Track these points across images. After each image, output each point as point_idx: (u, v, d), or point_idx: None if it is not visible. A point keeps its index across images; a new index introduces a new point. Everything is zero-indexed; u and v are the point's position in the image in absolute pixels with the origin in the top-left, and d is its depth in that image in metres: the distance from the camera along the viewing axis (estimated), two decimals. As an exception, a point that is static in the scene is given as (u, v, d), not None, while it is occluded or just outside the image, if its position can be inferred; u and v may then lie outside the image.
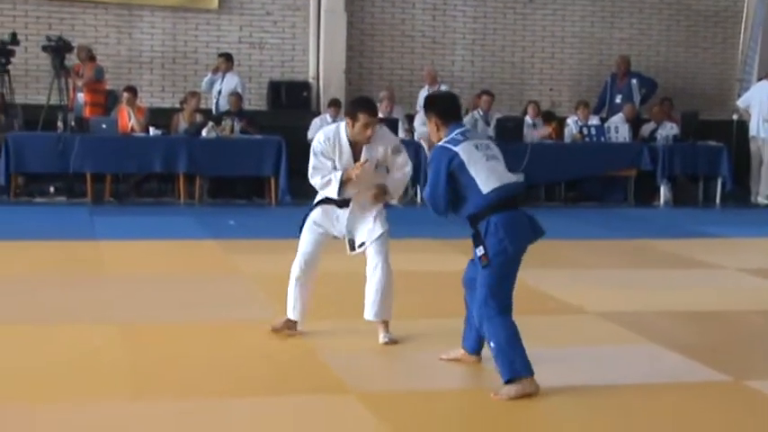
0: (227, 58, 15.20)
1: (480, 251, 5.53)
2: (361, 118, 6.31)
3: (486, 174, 5.53)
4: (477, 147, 5.61)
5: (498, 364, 5.48)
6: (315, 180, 6.52)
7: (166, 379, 5.72)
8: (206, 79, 15.18)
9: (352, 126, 6.35)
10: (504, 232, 5.47)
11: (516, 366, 5.43)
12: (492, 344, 5.50)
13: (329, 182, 6.43)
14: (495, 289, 5.52)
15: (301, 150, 14.05)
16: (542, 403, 5.42)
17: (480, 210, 5.51)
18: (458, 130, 5.67)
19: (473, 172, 5.51)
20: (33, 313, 7.16)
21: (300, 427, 5.01)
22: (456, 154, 5.53)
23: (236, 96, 14.63)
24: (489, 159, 5.59)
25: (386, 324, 6.55)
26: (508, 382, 5.43)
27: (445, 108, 5.83)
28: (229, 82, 14.99)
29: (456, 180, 5.54)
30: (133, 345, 6.39)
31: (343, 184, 6.39)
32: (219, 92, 14.98)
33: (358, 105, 6.45)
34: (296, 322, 6.67)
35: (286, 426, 5.02)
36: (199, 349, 6.32)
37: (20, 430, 4.84)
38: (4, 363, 5.90)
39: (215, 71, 15.13)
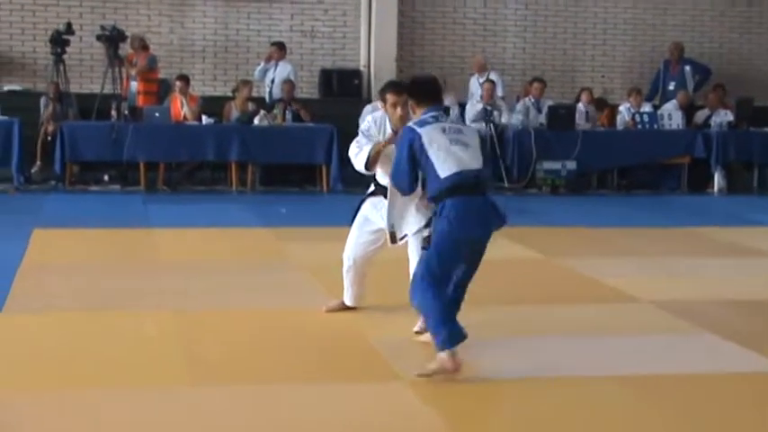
0: (280, 46, 15.24)
1: (426, 232, 5.70)
2: (388, 98, 6.34)
3: (444, 158, 5.58)
4: (444, 130, 5.66)
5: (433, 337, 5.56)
6: (351, 152, 6.58)
7: (220, 365, 5.76)
8: (259, 68, 15.24)
9: (385, 109, 6.42)
10: (455, 217, 5.54)
11: (444, 338, 5.48)
12: (429, 318, 5.58)
13: (360, 151, 6.50)
14: (433, 266, 5.58)
15: (353, 138, 14.16)
16: (594, 394, 5.41)
17: (437, 193, 5.61)
18: (431, 113, 5.74)
19: (432, 155, 5.59)
20: (89, 300, 7.24)
21: (351, 414, 5.03)
22: (419, 136, 5.63)
23: (290, 83, 14.67)
24: (453, 144, 5.62)
25: None
26: (441, 351, 5.50)
27: (419, 90, 5.92)
28: (282, 70, 15.04)
29: (418, 161, 5.64)
30: (187, 331, 6.44)
31: (373, 159, 6.40)
32: (272, 80, 15.03)
33: (385, 87, 6.56)
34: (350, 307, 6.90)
35: (337, 412, 5.04)
36: (251, 336, 6.37)
37: (77, 415, 4.90)
38: (61, 349, 5.98)
39: (268, 60, 15.18)
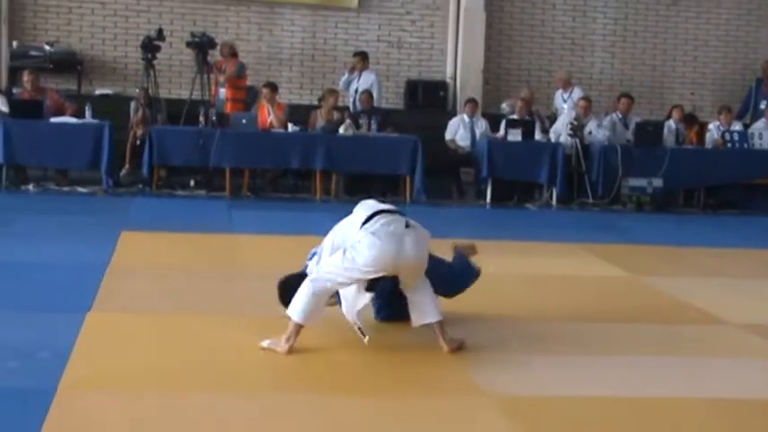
0: (363, 56, 15.30)
1: None
2: None
3: None
4: None
5: None
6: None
7: (302, 373, 5.78)
8: (343, 78, 15.32)
9: None
10: None
11: None
12: None
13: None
14: None
15: (437, 150, 14.19)
16: (682, 416, 5.32)
17: None
18: None
19: None
20: (174, 302, 7.31)
21: (430, 429, 5.00)
22: None
23: (368, 94, 14.70)
24: None
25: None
26: None
27: None
28: (366, 80, 15.08)
29: None
30: (270, 337, 6.46)
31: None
32: (356, 90, 15.09)
33: None
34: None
35: (418, 427, 5.02)
36: (334, 345, 6.36)
37: (158, 417, 4.94)
38: (145, 349, 6.04)
39: (351, 70, 15.25)
